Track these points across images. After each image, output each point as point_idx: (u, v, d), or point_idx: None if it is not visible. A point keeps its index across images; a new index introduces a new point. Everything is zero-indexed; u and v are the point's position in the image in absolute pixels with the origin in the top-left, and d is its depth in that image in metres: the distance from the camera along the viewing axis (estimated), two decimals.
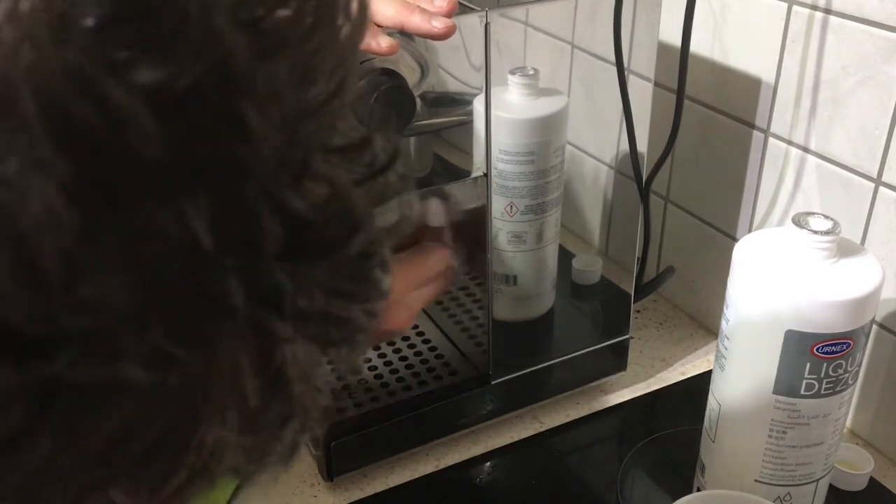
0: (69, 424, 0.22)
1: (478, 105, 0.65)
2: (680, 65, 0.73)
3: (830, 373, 0.59)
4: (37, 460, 0.22)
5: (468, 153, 0.67)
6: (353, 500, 0.74)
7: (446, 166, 0.69)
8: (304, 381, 0.26)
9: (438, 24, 0.55)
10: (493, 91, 0.64)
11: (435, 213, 0.71)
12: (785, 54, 0.76)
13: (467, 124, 0.66)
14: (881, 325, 0.74)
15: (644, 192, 0.76)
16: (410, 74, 0.59)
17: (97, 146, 0.20)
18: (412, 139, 0.65)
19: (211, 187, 0.22)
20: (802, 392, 0.60)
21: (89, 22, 0.20)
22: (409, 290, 0.67)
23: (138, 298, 0.21)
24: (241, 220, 0.22)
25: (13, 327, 0.20)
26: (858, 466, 0.74)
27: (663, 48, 0.72)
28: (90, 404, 0.22)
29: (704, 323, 0.94)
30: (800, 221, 0.59)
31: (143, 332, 0.22)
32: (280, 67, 0.23)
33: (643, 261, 0.83)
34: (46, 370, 0.20)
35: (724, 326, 0.64)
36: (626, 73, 0.69)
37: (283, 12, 0.23)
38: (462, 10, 0.60)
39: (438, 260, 0.69)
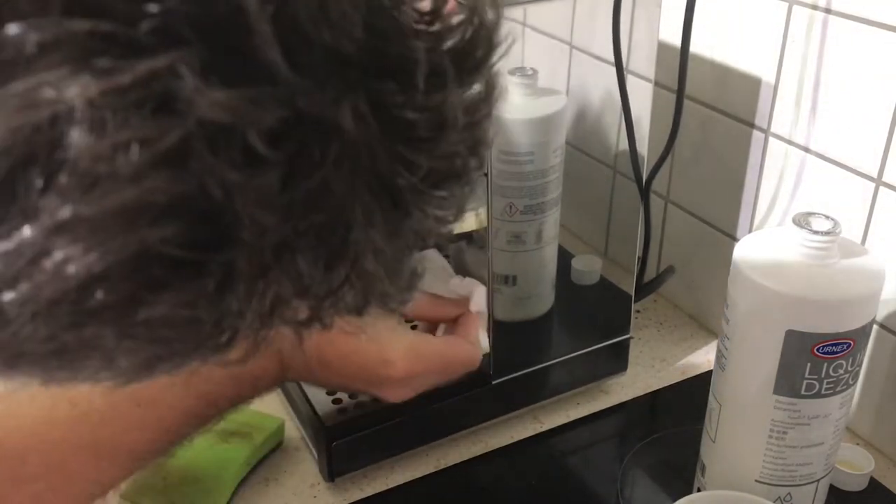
0: (301, 156, 0.24)
1: None
2: (680, 65, 0.73)
3: (831, 373, 0.59)
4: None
5: None
6: (353, 500, 0.74)
7: None
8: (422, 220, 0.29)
9: None
10: None
11: (478, 300, 0.71)
12: (785, 54, 0.76)
13: None
14: (881, 325, 0.74)
15: (644, 192, 0.76)
16: None
17: None
18: None
19: None
20: (803, 392, 0.60)
21: None
22: (427, 376, 0.66)
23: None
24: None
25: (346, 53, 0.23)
26: (858, 466, 0.74)
27: (663, 48, 0.72)
28: (317, 141, 0.24)
29: (704, 323, 0.94)
30: (800, 221, 0.59)
31: (356, 84, 0.24)
32: None
33: (643, 261, 0.83)
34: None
35: (724, 326, 0.64)
36: (625, 73, 0.69)
37: None
38: None
39: (468, 362, 0.68)
